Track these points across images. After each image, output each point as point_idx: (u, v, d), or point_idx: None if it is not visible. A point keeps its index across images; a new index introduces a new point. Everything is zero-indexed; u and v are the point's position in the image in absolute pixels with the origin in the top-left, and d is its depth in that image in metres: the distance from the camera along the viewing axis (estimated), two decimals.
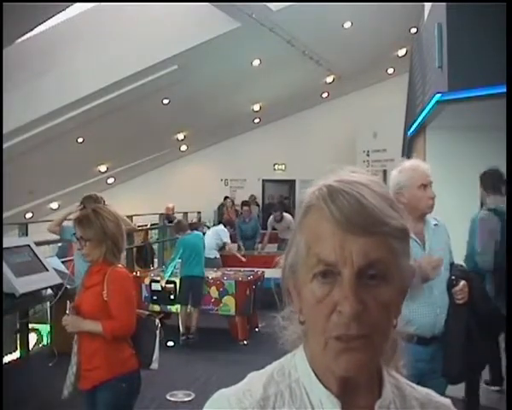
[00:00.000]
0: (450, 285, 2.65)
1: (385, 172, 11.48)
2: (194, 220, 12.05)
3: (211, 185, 15.90)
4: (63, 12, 8.20)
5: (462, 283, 2.64)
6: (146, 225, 11.74)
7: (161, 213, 11.24)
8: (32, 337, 6.56)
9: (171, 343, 6.24)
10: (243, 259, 8.74)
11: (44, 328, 6.75)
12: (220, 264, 8.39)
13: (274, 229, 10.07)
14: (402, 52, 12.91)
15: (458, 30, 4.62)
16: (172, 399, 4.90)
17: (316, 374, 0.79)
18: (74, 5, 8.63)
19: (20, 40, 8.51)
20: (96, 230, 2.79)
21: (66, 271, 5.39)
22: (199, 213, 14.02)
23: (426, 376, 2.38)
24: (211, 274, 7.10)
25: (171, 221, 10.22)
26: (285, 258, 0.81)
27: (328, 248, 0.72)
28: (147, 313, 3.14)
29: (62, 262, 5.87)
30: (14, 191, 10.94)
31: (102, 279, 2.77)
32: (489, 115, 4.72)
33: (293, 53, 10.97)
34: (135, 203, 13.69)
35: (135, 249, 9.71)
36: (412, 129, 6.97)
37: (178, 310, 6.80)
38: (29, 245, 5.26)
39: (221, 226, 9.04)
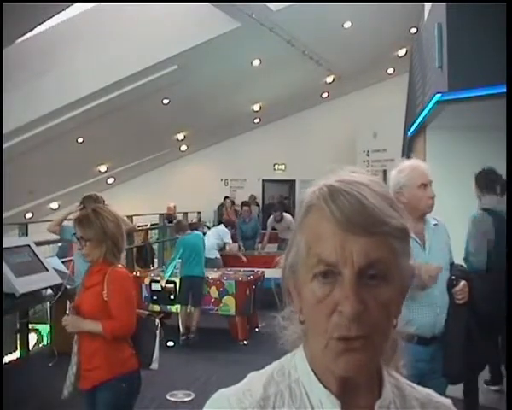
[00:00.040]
0: (451, 285, 2.66)
1: (385, 172, 11.47)
2: (194, 220, 12.05)
3: (211, 185, 15.90)
4: (63, 12, 8.19)
5: (463, 283, 2.64)
6: (146, 225, 11.75)
7: (161, 214, 11.24)
8: (32, 337, 6.56)
9: (171, 343, 6.24)
10: (244, 259, 8.74)
11: (44, 328, 6.75)
12: (221, 264, 8.39)
13: (274, 229, 10.07)
14: (402, 52, 12.91)
15: (458, 30, 4.62)
16: (172, 399, 4.90)
17: (316, 374, 0.79)
18: (74, 5, 8.63)
19: (20, 40, 8.51)
20: (96, 230, 2.79)
21: (66, 271, 5.39)
22: (199, 213, 14.02)
23: (426, 376, 2.38)
24: (211, 274, 7.09)
25: (171, 221, 10.22)
26: (285, 258, 0.81)
27: (329, 248, 0.72)
28: (147, 313, 3.14)
29: (62, 262, 5.87)
30: (14, 191, 10.94)
31: (102, 279, 2.77)
32: (489, 115, 4.72)
33: (293, 53, 10.97)
34: (135, 203, 13.69)
35: (135, 249, 9.71)
36: (412, 129, 6.97)
37: (178, 310, 6.80)
38: (29, 245, 5.26)
39: (222, 227, 9.04)
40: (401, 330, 0.82)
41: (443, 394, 0.90)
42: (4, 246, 4.74)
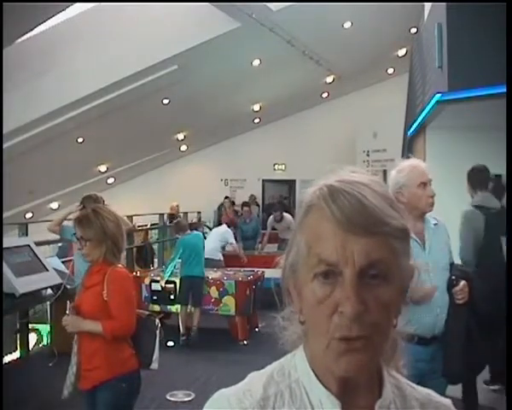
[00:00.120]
0: (450, 285, 2.66)
1: (385, 172, 11.46)
2: (194, 220, 12.04)
3: (211, 185, 15.89)
4: (63, 12, 8.19)
5: (463, 283, 2.64)
6: (146, 225, 11.74)
7: (161, 213, 11.23)
8: (32, 337, 6.56)
9: (171, 343, 6.24)
10: (245, 259, 8.73)
11: (44, 328, 6.76)
12: (223, 265, 8.31)
13: (274, 229, 10.07)
14: (402, 52, 12.90)
15: (458, 30, 4.62)
16: (172, 399, 4.90)
17: (316, 374, 0.79)
18: (74, 5, 8.63)
19: (20, 40, 8.50)
20: (96, 230, 2.79)
21: (66, 271, 5.39)
22: (199, 213, 14.01)
23: (426, 376, 2.38)
24: (211, 274, 7.09)
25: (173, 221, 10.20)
26: (285, 258, 0.81)
27: (330, 248, 0.72)
28: (147, 313, 3.14)
29: (62, 262, 5.87)
30: (14, 191, 10.93)
31: (102, 279, 2.77)
32: (489, 115, 4.72)
33: (293, 53, 10.96)
34: (135, 203, 13.69)
35: (135, 249, 9.71)
36: (412, 129, 6.97)
37: (178, 310, 6.80)
38: (29, 245, 5.26)
39: (225, 227, 8.92)
40: (401, 330, 0.82)
41: (443, 394, 0.90)
42: (4, 246, 4.74)
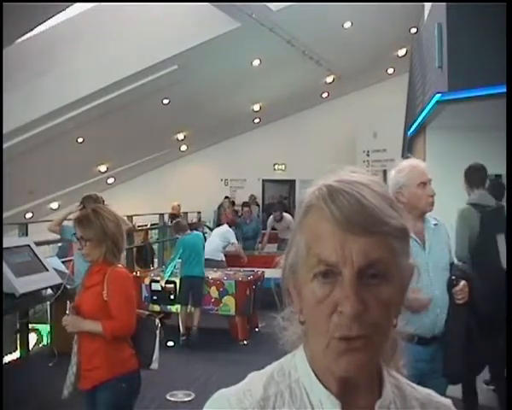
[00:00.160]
0: (450, 285, 2.66)
1: (385, 172, 11.46)
2: (194, 220, 12.04)
3: (211, 185, 15.89)
4: (63, 12, 8.19)
5: (463, 283, 2.64)
6: (146, 225, 11.74)
7: (161, 213, 11.23)
8: (32, 337, 6.56)
9: (171, 343, 6.24)
10: (246, 259, 8.72)
11: (44, 328, 6.76)
12: (225, 266, 8.27)
13: (274, 229, 10.07)
14: (402, 52, 12.90)
15: (458, 30, 4.62)
16: (172, 399, 4.91)
17: (316, 374, 0.79)
18: (74, 5, 8.63)
19: (20, 40, 8.50)
20: (96, 230, 2.79)
21: (66, 271, 5.39)
22: (199, 213, 14.00)
23: (426, 376, 2.38)
24: (211, 274, 7.09)
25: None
26: (285, 258, 0.81)
27: (329, 248, 0.72)
28: (147, 313, 3.14)
29: (62, 262, 5.87)
30: (14, 191, 10.93)
31: (102, 279, 2.77)
32: (489, 115, 4.72)
33: (293, 53, 10.96)
34: (135, 203, 13.68)
35: (135, 249, 9.71)
36: (412, 129, 6.97)
37: (178, 310, 6.80)
38: (29, 245, 5.26)
39: (226, 227, 8.88)
40: (401, 330, 0.82)
41: (443, 394, 0.90)
42: (4, 246, 4.74)
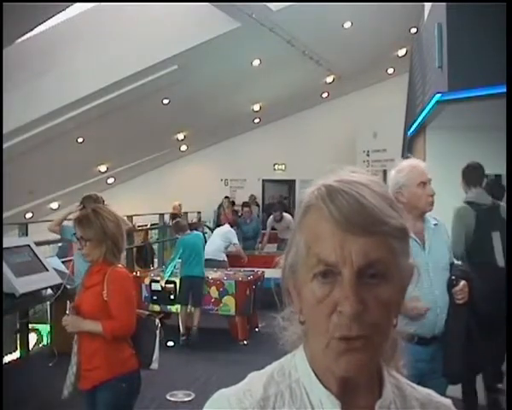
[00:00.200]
0: (450, 285, 2.66)
1: (385, 172, 11.45)
2: (194, 220, 12.03)
3: (211, 185, 15.89)
4: (63, 12, 8.19)
5: (463, 283, 2.64)
6: (146, 225, 11.74)
7: (161, 214, 11.23)
8: (32, 337, 6.56)
9: (171, 343, 6.24)
10: (246, 259, 8.72)
11: (44, 328, 6.76)
12: (227, 266, 8.21)
13: (274, 229, 10.07)
14: (402, 52, 12.90)
15: (458, 30, 4.62)
16: (172, 399, 4.91)
17: (316, 374, 0.79)
18: (74, 5, 8.63)
19: (20, 40, 8.50)
20: (96, 230, 2.79)
21: (66, 271, 5.39)
22: (199, 213, 14.01)
23: (426, 376, 2.38)
24: (211, 274, 7.09)
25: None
26: (285, 258, 0.81)
27: (328, 248, 0.72)
28: (147, 313, 3.14)
29: (62, 262, 5.87)
30: (14, 191, 10.93)
31: (102, 279, 2.77)
32: (489, 115, 4.72)
33: (293, 53, 10.96)
34: (135, 203, 13.68)
35: (135, 249, 9.71)
36: (412, 129, 6.96)
37: (178, 310, 6.80)
38: (29, 245, 5.26)
39: (227, 227, 8.86)
40: (401, 330, 0.82)
41: (443, 394, 0.90)
42: (4, 246, 4.74)
